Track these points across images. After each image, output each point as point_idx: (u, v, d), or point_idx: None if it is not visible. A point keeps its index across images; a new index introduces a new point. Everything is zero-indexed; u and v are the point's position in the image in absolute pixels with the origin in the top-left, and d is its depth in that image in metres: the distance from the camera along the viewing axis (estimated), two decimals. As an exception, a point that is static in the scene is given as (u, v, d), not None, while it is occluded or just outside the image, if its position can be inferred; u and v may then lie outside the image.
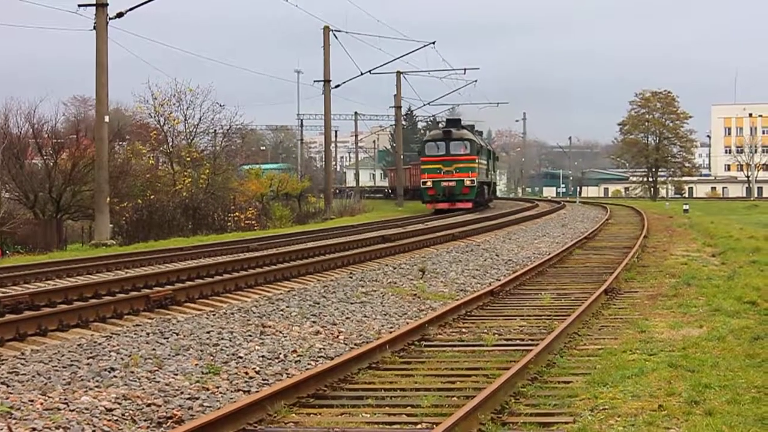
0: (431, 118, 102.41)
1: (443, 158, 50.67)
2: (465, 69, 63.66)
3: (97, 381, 9.27)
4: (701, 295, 15.36)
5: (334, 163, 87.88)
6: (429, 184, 50.91)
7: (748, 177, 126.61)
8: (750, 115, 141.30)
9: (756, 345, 10.86)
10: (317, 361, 10.79)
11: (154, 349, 10.85)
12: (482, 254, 23.77)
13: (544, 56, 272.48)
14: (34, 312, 12.66)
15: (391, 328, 13.13)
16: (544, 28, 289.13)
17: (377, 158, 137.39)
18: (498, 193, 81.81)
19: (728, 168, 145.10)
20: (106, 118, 33.81)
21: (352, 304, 14.99)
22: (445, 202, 50.27)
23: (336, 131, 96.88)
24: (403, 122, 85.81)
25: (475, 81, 73.46)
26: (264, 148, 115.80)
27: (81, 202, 46.62)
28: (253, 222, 48.49)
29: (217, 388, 9.33)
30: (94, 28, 32.51)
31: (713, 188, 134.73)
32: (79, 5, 32.31)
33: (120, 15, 32.79)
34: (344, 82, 57.05)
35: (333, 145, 72.49)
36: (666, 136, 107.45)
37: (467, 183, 50.21)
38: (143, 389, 9.03)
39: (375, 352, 10.56)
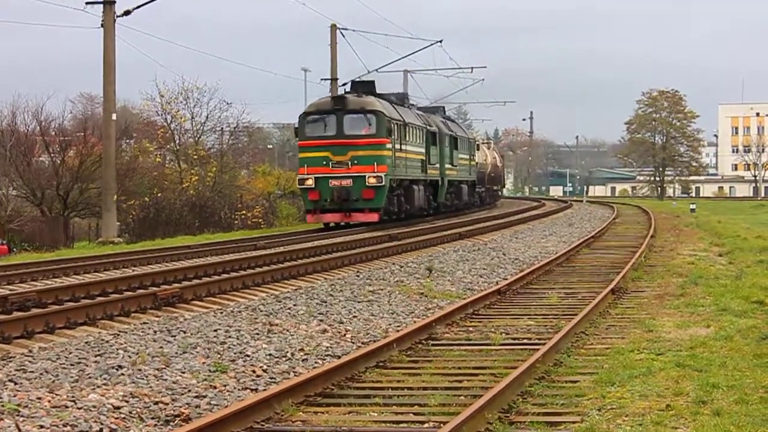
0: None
1: (332, 142, 32.88)
2: (472, 68, 63.36)
3: (104, 379, 9.28)
4: (708, 295, 15.34)
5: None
6: (310, 182, 32.83)
7: (755, 176, 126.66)
8: (757, 114, 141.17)
9: (764, 344, 10.84)
10: (324, 359, 10.80)
11: (161, 347, 10.86)
12: (489, 253, 23.74)
13: (552, 55, 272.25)
14: (41, 309, 12.66)
15: (399, 326, 13.12)
16: (550, 28, 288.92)
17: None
18: (505, 192, 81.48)
19: (735, 167, 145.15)
20: (114, 116, 33.88)
21: (359, 302, 14.99)
22: (337, 211, 32.98)
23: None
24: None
25: (482, 80, 73.17)
26: (271, 146, 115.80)
27: (88, 200, 46.75)
28: (259, 220, 48.45)
29: (225, 386, 9.33)
30: (102, 25, 32.58)
31: (720, 188, 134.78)
32: (87, 2, 32.32)
33: (127, 13, 32.84)
34: (351, 81, 57.06)
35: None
36: (673, 135, 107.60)
37: (371, 181, 32.40)
38: (151, 387, 9.04)
39: (382, 350, 10.56)
